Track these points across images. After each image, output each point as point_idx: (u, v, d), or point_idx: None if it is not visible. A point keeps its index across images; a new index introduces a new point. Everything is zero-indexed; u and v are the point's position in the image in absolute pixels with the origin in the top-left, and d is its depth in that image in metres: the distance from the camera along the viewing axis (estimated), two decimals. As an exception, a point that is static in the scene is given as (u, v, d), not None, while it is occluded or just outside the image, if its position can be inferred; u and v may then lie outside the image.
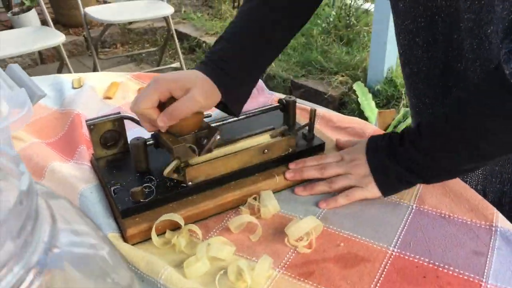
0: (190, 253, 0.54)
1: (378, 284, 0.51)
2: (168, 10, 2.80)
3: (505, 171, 0.69)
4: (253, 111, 0.73)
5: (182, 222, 0.57)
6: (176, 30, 3.03)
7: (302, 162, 0.67)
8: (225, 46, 0.66)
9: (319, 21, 3.27)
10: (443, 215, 0.61)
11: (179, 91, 0.59)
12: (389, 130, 1.96)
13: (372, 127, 0.80)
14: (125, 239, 0.57)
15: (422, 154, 0.60)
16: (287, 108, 0.74)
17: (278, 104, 0.75)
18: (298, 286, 0.51)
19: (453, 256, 0.54)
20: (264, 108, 0.74)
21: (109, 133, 0.67)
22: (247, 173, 0.65)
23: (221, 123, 0.71)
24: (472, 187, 0.65)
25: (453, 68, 0.64)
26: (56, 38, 2.29)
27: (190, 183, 0.61)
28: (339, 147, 0.72)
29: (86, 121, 0.65)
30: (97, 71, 2.81)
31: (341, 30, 3.25)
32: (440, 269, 0.52)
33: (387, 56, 2.60)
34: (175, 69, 3.23)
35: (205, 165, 0.61)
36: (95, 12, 2.72)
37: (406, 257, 0.54)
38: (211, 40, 3.59)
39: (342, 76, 2.81)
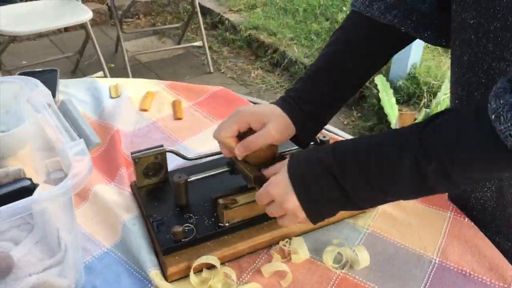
0: (226, 296, 0.59)
1: None
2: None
3: None
4: (287, 150, 0.75)
5: (218, 264, 0.61)
6: (199, 4, 3.00)
7: None
8: (304, 86, 0.70)
9: (344, 8, 3.22)
10: (464, 272, 0.64)
11: (256, 124, 0.65)
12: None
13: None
14: (165, 276, 0.61)
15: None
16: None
17: (312, 143, 0.77)
18: None
19: (471, 319, 0.57)
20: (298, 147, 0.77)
21: (151, 164, 0.70)
22: (280, 215, 0.68)
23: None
24: None
25: None
26: (82, 14, 2.30)
27: (227, 224, 0.65)
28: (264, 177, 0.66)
29: (132, 153, 0.69)
30: (120, 45, 2.83)
31: (367, 17, 3.20)
32: (458, 332, 0.56)
33: (412, 51, 2.57)
34: (198, 47, 3.22)
35: (242, 207, 0.65)
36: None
37: (427, 317, 0.58)
38: (234, 17, 3.56)
39: (365, 67, 2.79)
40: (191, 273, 0.60)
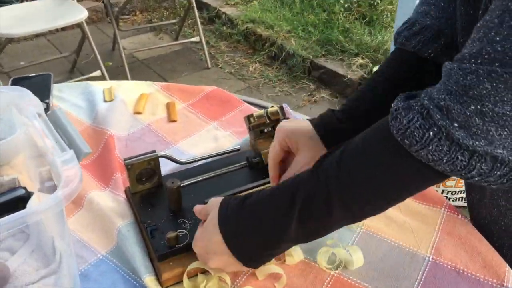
0: (220, 300, 0.59)
1: None
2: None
3: None
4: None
5: (212, 270, 0.61)
6: (195, -1, 2.99)
7: None
8: (347, 109, 0.69)
9: (341, 1, 3.20)
10: (457, 270, 0.64)
11: (292, 145, 0.66)
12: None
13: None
14: (160, 282, 0.61)
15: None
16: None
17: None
18: None
19: (465, 317, 0.58)
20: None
21: (144, 170, 0.71)
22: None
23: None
24: None
25: None
26: (78, 14, 2.30)
27: (220, 228, 0.65)
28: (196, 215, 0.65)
29: (124, 160, 0.69)
30: (117, 42, 2.82)
31: (364, 8, 3.18)
32: (452, 331, 0.56)
33: (410, 41, 2.55)
34: (195, 43, 3.21)
35: (235, 212, 0.65)
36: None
37: (420, 316, 0.58)
38: (230, 11, 3.55)
39: (362, 58, 2.79)
40: (185, 277, 0.61)
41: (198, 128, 0.94)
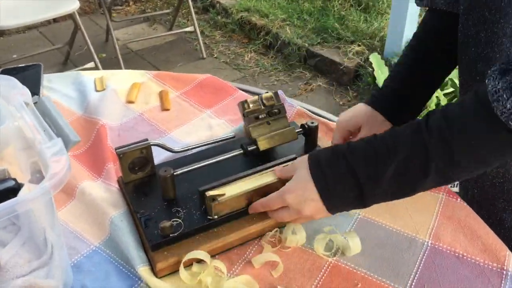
0: (216, 289, 0.58)
1: (392, 331, 0.54)
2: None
3: None
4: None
5: (208, 259, 0.60)
6: (189, -13, 2.95)
7: (253, 209, 0.66)
8: (392, 87, 0.78)
9: (337, -14, 3.16)
10: (457, 254, 0.63)
11: (354, 128, 0.77)
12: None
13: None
14: (154, 272, 0.60)
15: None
16: (308, 133, 0.75)
17: (300, 129, 0.76)
18: (317, 329, 0.54)
19: (465, 302, 0.57)
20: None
21: (137, 159, 0.69)
22: (269, 204, 0.67)
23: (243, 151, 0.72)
24: None
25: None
26: (69, 4, 2.26)
27: (215, 216, 0.64)
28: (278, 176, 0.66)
29: (116, 148, 0.68)
30: (111, 33, 2.78)
31: (359, -6, 3.15)
32: (451, 316, 0.55)
33: (406, 26, 2.53)
34: (189, 33, 3.18)
35: (230, 199, 0.64)
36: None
37: (420, 301, 0.57)
38: (224, 0, 3.50)
39: (359, 45, 2.76)
40: (181, 268, 0.59)
41: (192, 116, 0.92)
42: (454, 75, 1.98)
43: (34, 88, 0.95)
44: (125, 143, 0.70)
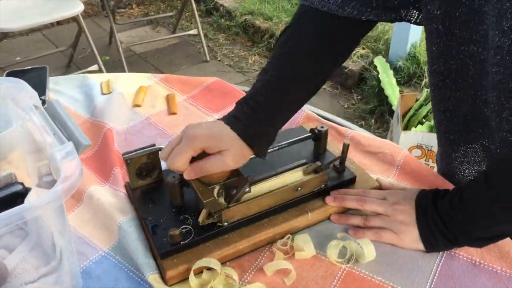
0: (228, 297, 0.57)
1: None
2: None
3: None
4: (284, 143, 0.73)
5: (218, 268, 0.59)
6: (193, -10, 2.94)
7: (344, 191, 0.69)
8: (259, 99, 0.64)
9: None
10: (473, 261, 0.62)
11: (212, 150, 0.61)
12: (410, 113, 1.94)
13: (401, 152, 0.80)
14: (164, 280, 0.59)
15: (468, 220, 0.61)
16: (318, 138, 0.74)
17: (310, 134, 0.75)
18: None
19: (483, 311, 0.56)
20: (295, 139, 0.74)
21: (144, 164, 0.68)
22: (280, 210, 0.66)
23: (253, 156, 0.70)
24: None
25: (479, 112, 0.64)
26: (74, 7, 2.26)
27: (226, 223, 0.63)
28: (382, 187, 0.73)
29: (123, 154, 0.66)
30: (114, 36, 2.78)
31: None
32: (470, 325, 0.54)
33: (411, 30, 2.52)
34: (193, 36, 3.17)
35: (240, 206, 0.63)
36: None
37: (436, 310, 0.56)
38: (228, 2, 3.50)
39: (363, 48, 2.75)
40: (191, 275, 0.58)
41: (199, 120, 0.91)
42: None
43: (40, 91, 0.94)
44: (132, 147, 0.69)
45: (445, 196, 0.63)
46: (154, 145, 0.68)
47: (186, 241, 0.60)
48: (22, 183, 0.67)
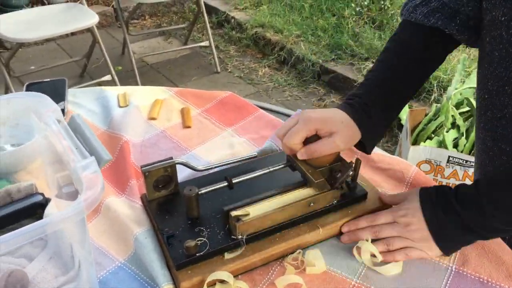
0: (240, 310, 0.58)
1: None
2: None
3: None
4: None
5: (231, 280, 0.60)
6: (204, 3, 2.99)
7: (354, 225, 0.69)
8: (369, 92, 0.74)
9: (353, 5, 3.19)
10: (482, 280, 0.63)
11: (324, 132, 0.68)
12: (419, 128, 1.95)
13: (411, 169, 0.81)
14: (179, 291, 0.61)
15: (482, 212, 0.62)
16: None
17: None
18: None
19: (490, 329, 0.56)
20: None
21: (161, 177, 0.70)
22: (292, 225, 0.68)
23: (267, 170, 0.72)
24: None
25: None
26: (89, 19, 2.31)
27: (240, 236, 0.64)
28: (384, 202, 0.74)
29: (141, 166, 0.69)
30: (127, 47, 2.83)
31: (374, 12, 3.17)
32: None
33: (420, 45, 2.54)
34: (204, 47, 3.22)
35: (255, 220, 0.64)
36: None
37: (445, 328, 0.57)
38: (240, 15, 3.55)
39: (373, 62, 2.77)
40: (205, 287, 0.60)
41: (213, 134, 0.93)
42: (469, 94, 1.98)
43: (59, 103, 0.97)
44: (147, 159, 0.71)
45: (451, 193, 0.66)
46: (171, 158, 0.70)
47: (202, 253, 0.62)
48: (42, 194, 0.70)
